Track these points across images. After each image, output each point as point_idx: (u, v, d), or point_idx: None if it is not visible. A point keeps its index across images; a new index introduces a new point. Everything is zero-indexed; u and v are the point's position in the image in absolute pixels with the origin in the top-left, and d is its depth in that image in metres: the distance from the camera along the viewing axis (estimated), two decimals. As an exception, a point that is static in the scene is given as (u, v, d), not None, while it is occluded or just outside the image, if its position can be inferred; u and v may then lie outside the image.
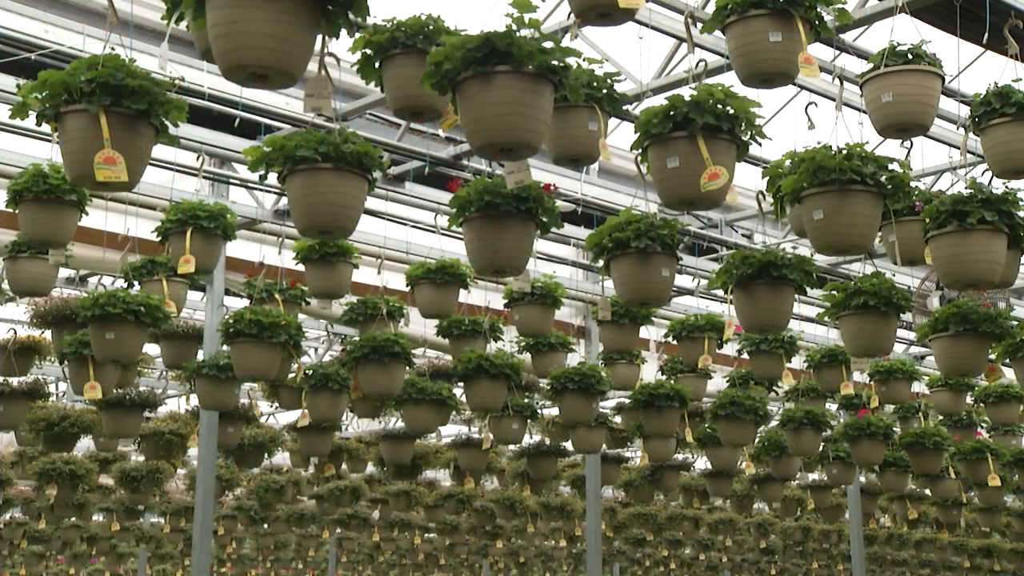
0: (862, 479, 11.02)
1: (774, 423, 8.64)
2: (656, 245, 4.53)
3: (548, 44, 3.40)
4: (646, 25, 5.35)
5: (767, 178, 4.58)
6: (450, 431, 11.61)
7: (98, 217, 5.99)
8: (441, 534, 16.22)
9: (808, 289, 4.98)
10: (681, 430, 8.20)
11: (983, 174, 4.59)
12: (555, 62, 3.42)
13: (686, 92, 3.81)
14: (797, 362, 7.48)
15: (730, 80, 3.85)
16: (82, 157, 3.47)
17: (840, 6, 3.87)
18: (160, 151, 4.43)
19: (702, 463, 10.01)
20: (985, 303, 5.64)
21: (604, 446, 8.61)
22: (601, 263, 4.75)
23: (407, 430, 8.07)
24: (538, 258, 7.95)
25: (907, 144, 4.72)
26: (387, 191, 6.98)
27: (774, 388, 8.35)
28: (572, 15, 3.62)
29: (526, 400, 7.94)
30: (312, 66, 3.25)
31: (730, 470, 9.37)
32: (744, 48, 3.70)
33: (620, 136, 8.35)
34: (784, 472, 9.37)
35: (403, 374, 6.53)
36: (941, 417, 8.79)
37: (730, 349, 7.36)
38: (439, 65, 3.41)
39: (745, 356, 7.08)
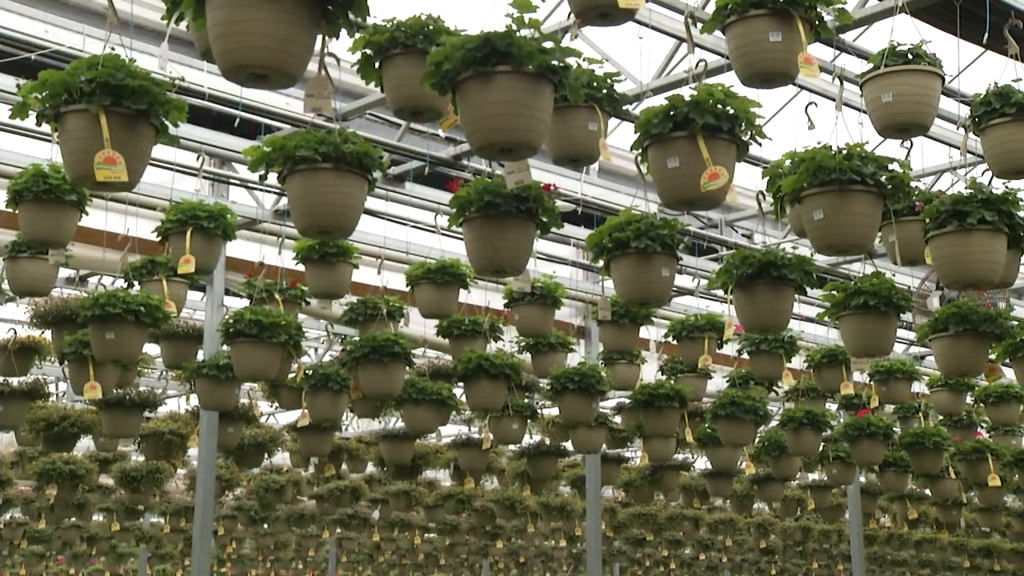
0: (862, 479, 11.03)
1: (774, 423, 8.64)
2: (656, 245, 4.53)
3: (548, 44, 3.40)
4: (646, 25, 5.35)
5: (767, 178, 4.58)
6: (450, 431, 11.61)
7: (98, 217, 5.99)
8: (441, 534, 16.22)
9: (808, 289, 4.98)
10: (681, 430, 8.20)
11: (983, 174, 4.60)
12: (555, 62, 3.42)
13: (686, 92, 3.81)
14: (797, 362, 7.48)
15: (730, 80, 3.85)
16: (82, 157, 3.47)
17: (840, 6, 3.87)
18: (160, 151, 4.43)
19: (702, 463, 10.01)
20: (985, 303, 5.64)
21: (604, 446, 8.61)
22: (601, 263, 4.75)
23: (407, 430, 8.07)
24: (538, 258, 7.95)
25: (907, 144, 4.72)
26: (387, 191, 6.98)
27: (774, 388, 8.35)
28: (572, 15, 3.63)
29: (526, 400, 7.94)
30: (312, 66, 3.25)
31: (730, 470, 9.37)
32: (744, 48, 3.70)
33: (620, 136, 8.35)
34: (784, 472, 9.37)
35: (403, 374, 6.53)
36: (941, 417, 8.79)
37: (730, 349, 7.37)
38: (439, 65, 3.41)
39: (745, 356, 7.09)
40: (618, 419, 8.96)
